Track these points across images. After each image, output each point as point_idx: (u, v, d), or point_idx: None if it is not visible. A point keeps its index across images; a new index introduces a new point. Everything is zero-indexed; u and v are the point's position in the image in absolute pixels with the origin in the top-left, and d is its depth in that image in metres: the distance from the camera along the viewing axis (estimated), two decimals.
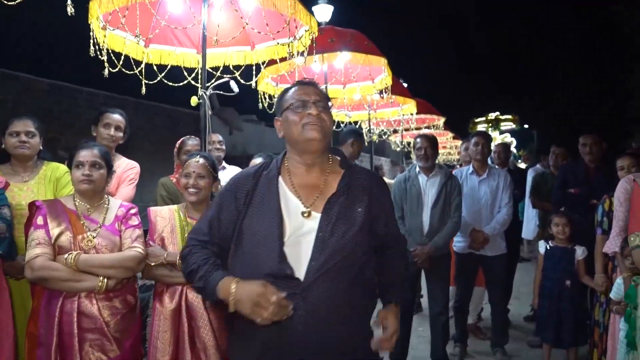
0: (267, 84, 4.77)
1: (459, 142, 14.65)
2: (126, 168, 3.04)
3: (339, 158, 1.81)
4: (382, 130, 8.26)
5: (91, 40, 2.82)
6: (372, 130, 7.06)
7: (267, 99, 4.76)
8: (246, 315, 1.46)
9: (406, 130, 8.61)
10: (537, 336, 4.01)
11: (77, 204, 2.28)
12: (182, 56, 3.46)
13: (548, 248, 3.82)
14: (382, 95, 5.56)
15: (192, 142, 3.24)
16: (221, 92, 3.15)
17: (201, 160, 2.44)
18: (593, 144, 4.39)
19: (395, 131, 8.86)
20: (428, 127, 8.54)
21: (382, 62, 4.81)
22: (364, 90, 5.45)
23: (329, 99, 1.82)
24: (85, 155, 2.26)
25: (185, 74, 3.43)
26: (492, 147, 5.47)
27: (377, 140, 8.31)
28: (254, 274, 1.54)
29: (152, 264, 2.29)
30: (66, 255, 2.13)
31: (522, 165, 14.19)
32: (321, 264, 1.55)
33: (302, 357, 1.57)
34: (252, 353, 1.63)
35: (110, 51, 3.03)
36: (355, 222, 1.63)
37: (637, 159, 3.54)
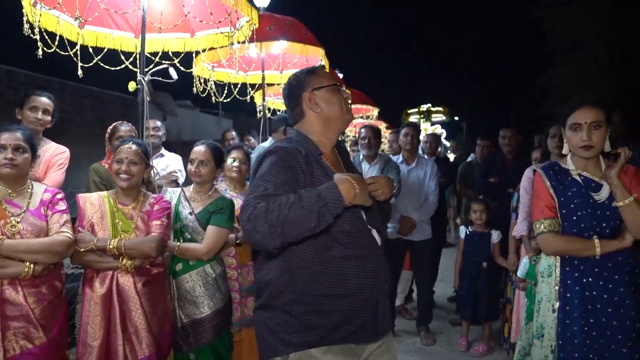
0: (203, 68, 4.73)
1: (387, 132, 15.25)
2: (55, 153, 2.93)
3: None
4: None
5: (24, 18, 2.69)
6: None
7: (202, 84, 4.73)
8: (362, 202, 1.58)
9: None
10: (458, 314, 4.35)
11: None
12: (119, 40, 3.38)
13: (467, 233, 4.14)
14: None
15: (124, 127, 3.18)
16: (159, 79, 3.11)
17: (134, 147, 2.44)
18: (511, 137, 4.78)
19: None
20: (362, 117, 8.78)
21: (319, 52, 4.91)
22: None
23: None
24: (8, 138, 2.18)
25: (123, 58, 3.35)
26: (423, 138, 5.82)
27: None
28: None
29: (82, 249, 2.27)
30: None
31: (451, 156, 14.95)
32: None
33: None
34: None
35: (42, 30, 2.90)
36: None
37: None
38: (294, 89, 1.83)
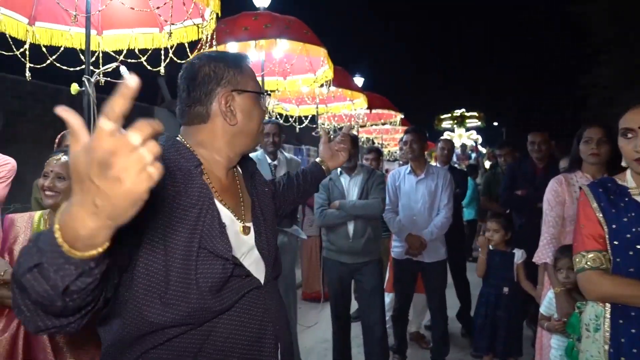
0: None
1: None
2: None
3: None
4: (335, 125, 7.93)
5: None
6: (319, 126, 6.75)
7: None
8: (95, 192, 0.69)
9: (362, 126, 8.32)
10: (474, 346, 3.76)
11: None
12: (77, 37, 3.04)
13: (488, 252, 3.56)
14: (329, 90, 5.26)
15: None
16: (109, 79, 2.74)
17: (63, 158, 2.02)
18: (541, 142, 4.17)
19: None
20: (384, 124, 8.27)
21: (321, 52, 4.49)
22: (305, 83, 5.11)
23: None
24: None
25: (83, 57, 3.00)
26: (437, 144, 5.25)
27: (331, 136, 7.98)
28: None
29: None
30: None
31: (487, 163, 14.16)
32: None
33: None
34: None
35: None
36: (273, 226, 1.40)
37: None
38: (207, 79, 1.24)
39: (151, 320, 1.06)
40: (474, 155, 14.92)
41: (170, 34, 2.74)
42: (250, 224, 1.29)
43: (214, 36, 3.00)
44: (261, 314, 1.22)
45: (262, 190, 1.44)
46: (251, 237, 1.28)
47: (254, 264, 1.25)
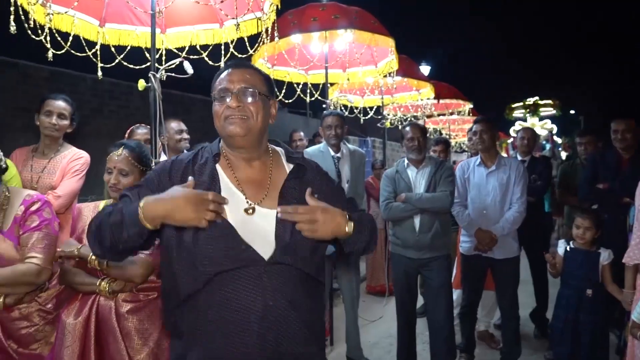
0: (261, 65, 4.41)
1: None
2: (72, 159, 2.77)
3: (280, 150, 1.63)
4: (402, 116, 7.73)
5: (25, 17, 2.51)
6: (385, 117, 6.60)
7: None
8: (184, 221, 1.30)
9: (428, 117, 8.06)
10: (551, 350, 3.51)
11: None
12: (143, 36, 3.14)
13: (568, 250, 3.29)
14: (393, 80, 5.13)
15: (141, 130, 2.93)
16: (173, 75, 2.79)
17: (124, 153, 2.08)
18: (626, 130, 3.81)
19: (415, 117, 8.32)
20: (452, 113, 7.95)
21: (389, 43, 4.37)
22: (366, 75, 5.00)
23: (268, 84, 1.57)
24: None
25: (148, 55, 3.10)
26: (517, 133, 4.96)
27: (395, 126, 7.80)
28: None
29: (62, 254, 2.01)
30: None
31: (564, 154, 13.27)
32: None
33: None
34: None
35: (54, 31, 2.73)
36: None
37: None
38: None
39: (169, 276, 1.46)
40: (548, 146, 14.06)
41: (237, 25, 2.73)
42: (255, 206, 1.45)
43: (275, 28, 2.96)
44: (252, 287, 1.36)
45: (320, 189, 1.53)
46: (259, 218, 1.43)
47: (260, 242, 1.40)
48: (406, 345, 3.50)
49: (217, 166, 1.51)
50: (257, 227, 1.42)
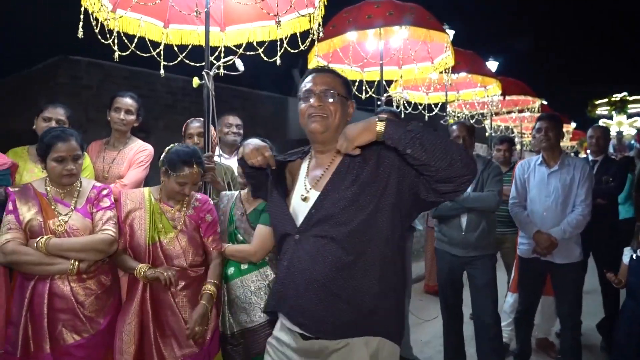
0: (317, 63, 4.49)
1: (570, 127, 13.04)
2: (138, 150, 2.99)
3: None
4: (467, 113, 7.50)
5: (98, 22, 2.75)
6: (449, 113, 6.45)
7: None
8: None
9: (496, 114, 7.75)
10: None
11: (48, 188, 2.26)
12: (204, 35, 3.29)
13: (634, 258, 3.07)
14: (449, 77, 5.01)
15: (194, 124, 3.09)
16: (226, 72, 2.93)
17: (198, 169, 2.36)
18: None
19: (482, 115, 8.03)
20: (522, 111, 7.58)
21: (444, 38, 4.29)
22: (423, 71, 4.92)
23: (347, 87, 1.79)
24: (67, 149, 2.20)
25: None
26: (589, 132, 4.68)
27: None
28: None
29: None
30: (37, 239, 2.11)
31: None
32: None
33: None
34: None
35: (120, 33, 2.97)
36: (351, 198, 1.62)
37: None
38: None
39: None
40: (637, 145, 12.99)
41: (278, 23, 2.78)
42: (308, 195, 1.71)
43: (320, 24, 2.97)
44: (290, 253, 1.68)
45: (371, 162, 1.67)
46: (310, 202, 1.69)
47: (302, 217, 1.69)
48: (453, 344, 3.44)
49: (304, 161, 1.85)
50: (307, 206, 1.69)
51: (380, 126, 1.49)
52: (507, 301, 4.15)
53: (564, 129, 11.80)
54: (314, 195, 1.69)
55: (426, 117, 6.50)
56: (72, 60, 6.57)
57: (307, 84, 1.74)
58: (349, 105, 1.76)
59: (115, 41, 2.89)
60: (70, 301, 2.14)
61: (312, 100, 1.68)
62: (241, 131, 3.70)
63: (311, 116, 1.69)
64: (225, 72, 2.96)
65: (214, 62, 2.94)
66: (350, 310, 1.57)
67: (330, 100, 1.69)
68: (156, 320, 2.25)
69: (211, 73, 2.77)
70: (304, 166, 1.81)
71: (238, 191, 2.66)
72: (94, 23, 2.76)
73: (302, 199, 1.71)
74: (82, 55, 6.57)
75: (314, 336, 1.61)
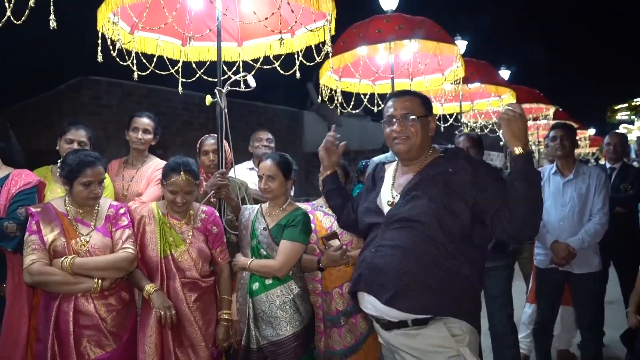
0: (328, 77, 4.55)
1: (586, 133, 12.84)
2: (155, 169, 3.06)
3: (437, 148, 2.02)
4: (483, 123, 7.48)
5: (114, 42, 2.84)
6: (463, 124, 6.44)
7: (329, 92, 4.59)
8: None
9: None
10: None
11: (68, 208, 2.32)
12: (222, 51, 3.34)
13: None
14: (459, 88, 5.04)
15: (209, 141, 3.15)
16: (237, 89, 2.99)
17: (186, 177, 2.41)
18: None
19: (496, 123, 7.99)
20: (536, 119, 7.53)
21: (454, 51, 4.32)
22: (433, 84, 4.95)
23: (426, 106, 1.98)
24: (95, 174, 2.28)
25: (225, 68, 3.30)
26: (606, 139, 4.63)
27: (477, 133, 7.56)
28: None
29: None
30: (62, 260, 2.19)
31: None
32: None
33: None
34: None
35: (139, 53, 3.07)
36: (441, 198, 1.83)
37: None
38: None
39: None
40: None
41: (281, 40, 2.84)
42: (394, 201, 1.96)
43: (327, 37, 3.00)
44: (380, 239, 1.92)
45: (451, 178, 1.87)
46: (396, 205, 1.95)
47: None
48: None
49: (387, 168, 2.12)
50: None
51: (527, 147, 1.72)
52: (525, 312, 4.10)
53: (582, 135, 11.63)
54: (398, 200, 1.94)
55: (442, 127, 6.50)
56: (92, 81, 6.78)
57: (388, 109, 1.95)
58: (430, 120, 1.96)
59: (134, 61, 2.99)
60: (95, 317, 2.21)
61: (394, 126, 1.90)
62: (272, 144, 3.79)
63: (395, 139, 1.91)
64: (238, 88, 3.01)
65: (232, 76, 2.99)
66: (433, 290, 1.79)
67: (411, 122, 1.89)
68: (175, 331, 2.33)
69: (223, 91, 2.83)
70: (389, 174, 2.06)
71: (259, 205, 2.70)
72: (110, 46, 2.84)
73: (389, 204, 1.97)
74: (102, 76, 6.77)
75: (395, 320, 1.83)
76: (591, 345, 3.33)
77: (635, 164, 9.54)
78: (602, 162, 10.32)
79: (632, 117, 14.43)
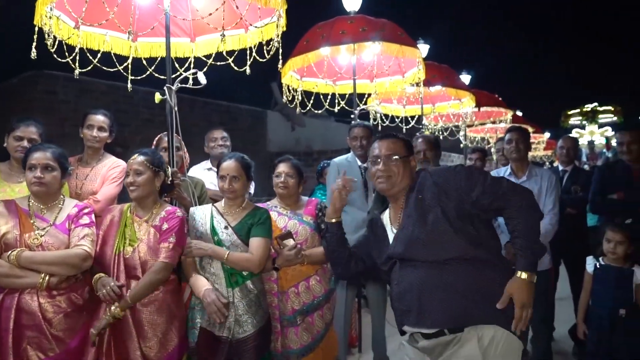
0: (291, 77, 4.55)
1: (543, 137, 13.32)
2: (111, 167, 2.99)
3: (423, 174, 2.11)
4: (443, 125, 7.66)
5: (49, 36, 2.74)
6: (424, 126, 6.57)
7: (291, 92, 4.58)
8: None
9: (469, 126, 7.92)
10: None
11: (30, 204, 2.32)
12: (174, 47, 3.25)
13: (597, 267, 3.17)
14: (420, 90, 5.16)
15: (166, 138, 3.10)
16: (187, 85, 2.92)
17: (139, 158, 2.42)
18: (632, 143, 3.61)
19: (456, 126, 8.20)
20: (494, 122, 7.77)
21: (416, 54, 4.40)
22: (393, 85, 5.04)
23: (407, 147, 2.13)
24: (38, 157, 2.26)
25: (177, 65, 3.21)
26: (560, 142, 4.81)
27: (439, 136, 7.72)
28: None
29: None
30: (9, 252, 2.14)
31: None
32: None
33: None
34: None
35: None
36: (422, 224, 1.96)
37: None
38: None
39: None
40: (609, 154, 13.36)
41: (222, 37, 2.81)
42: (395, 233, 2.08)
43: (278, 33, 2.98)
44: (397, 274, 2.03)
45: (430, 200, 1.99)
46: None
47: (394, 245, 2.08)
48: None
49: (382, 217, 2.22)
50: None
51: (530, 277, 1.90)
52: None
53: (540, 139, 12.01)
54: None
55: (403, 129, 6.61)
56: (48, 75, 6.53)
57: (374, 149, 2.11)
58: (411, 160, 2.12)
59: (87, 56, 2.91)
60: (37, 317, 2.13)
61: (379, 165, 2.06)
62: (227, 143, 3.75)
63: (378, 178, 2.07)
64: (187, 85, 2.94)
65: (182, 72, 2.93)
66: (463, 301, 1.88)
67: (394, 162, 2.05)
68: (112, 335, 2.25)
69: (173, 88, 2.78)
70: (386, 218, 2.18)
71: (210, 205, 2.67)
72: (50, 40, 2.74)
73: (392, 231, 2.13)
74: (59, 70, 6.53)
75: (433, 330, 1.91)
76: (542, 340, 3.46)
77: (586, 167, 9.99)
78: (556, 164, 10.77)
79: (584, 122, 15.08)
